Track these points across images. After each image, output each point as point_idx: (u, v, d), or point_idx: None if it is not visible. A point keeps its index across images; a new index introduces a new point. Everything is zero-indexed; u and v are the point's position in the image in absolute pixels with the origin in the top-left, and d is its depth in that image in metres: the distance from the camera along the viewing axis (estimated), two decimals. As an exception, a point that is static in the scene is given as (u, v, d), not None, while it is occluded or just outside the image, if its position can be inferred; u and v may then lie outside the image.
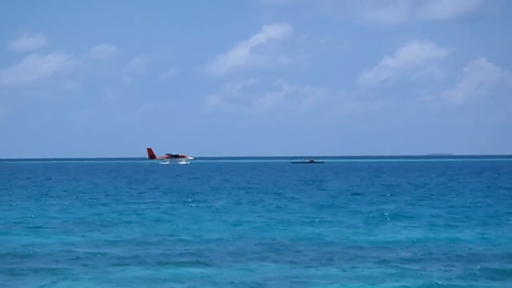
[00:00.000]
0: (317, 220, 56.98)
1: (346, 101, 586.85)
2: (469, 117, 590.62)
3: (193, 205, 73.92)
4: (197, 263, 36.16)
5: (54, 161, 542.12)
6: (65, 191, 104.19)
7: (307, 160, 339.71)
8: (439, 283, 30.88)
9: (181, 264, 36.02)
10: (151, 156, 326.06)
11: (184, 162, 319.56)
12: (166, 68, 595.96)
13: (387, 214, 61.95)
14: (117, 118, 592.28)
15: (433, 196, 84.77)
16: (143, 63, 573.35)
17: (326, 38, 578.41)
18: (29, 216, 62.34)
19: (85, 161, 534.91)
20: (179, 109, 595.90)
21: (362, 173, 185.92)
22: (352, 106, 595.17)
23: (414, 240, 44.51)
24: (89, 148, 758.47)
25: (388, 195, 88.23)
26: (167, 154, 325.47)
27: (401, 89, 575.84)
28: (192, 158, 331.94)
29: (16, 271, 34.24)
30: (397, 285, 30.59)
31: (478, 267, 34.34)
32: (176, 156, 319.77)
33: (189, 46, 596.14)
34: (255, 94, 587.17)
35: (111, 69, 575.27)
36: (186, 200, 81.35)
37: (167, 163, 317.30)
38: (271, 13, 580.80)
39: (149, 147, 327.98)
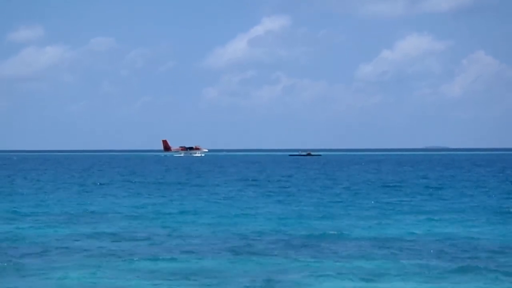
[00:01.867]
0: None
1: (344, 94, 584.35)
2: (467, 110, 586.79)
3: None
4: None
5: (57, 153, 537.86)
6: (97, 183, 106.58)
7: (304, 153, 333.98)
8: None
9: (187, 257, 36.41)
10: (166, 148, 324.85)
11: (199, 154, 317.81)
12: (165, 60, 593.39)
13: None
14: (115, 110, 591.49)
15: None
16: (141, 56, 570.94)
17: (325, 31, 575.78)
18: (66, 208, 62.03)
19: (88, 153, 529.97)
20: (177, 101, 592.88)
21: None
22: (350, 99, 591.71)
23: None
24: (87, 140, 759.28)
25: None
26: (181, 147, 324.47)
27: (399, 82, 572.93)
28: (207, 150, 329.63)
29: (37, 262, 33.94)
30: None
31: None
32: (191, 148, 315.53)
33: (188, 39, 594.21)
34: (253, 86, 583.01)
35: (110, 61, 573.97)
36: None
37: (182, 155, 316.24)
38: (270, 6, 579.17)
39: (164, 139, 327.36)
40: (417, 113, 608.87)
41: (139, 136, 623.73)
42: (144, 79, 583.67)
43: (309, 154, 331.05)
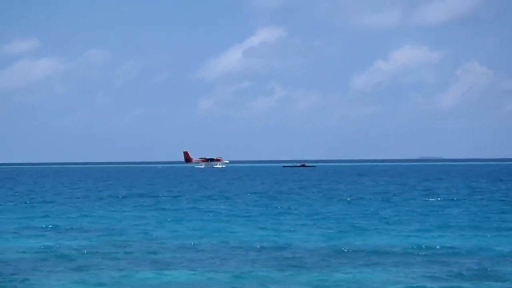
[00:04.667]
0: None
1: (338, 104, 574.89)
2: (461, 120, 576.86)
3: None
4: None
5: (52, 166, 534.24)
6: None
7: (299, 164, 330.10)
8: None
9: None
10: (187, 159, 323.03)
11: (220, 166, 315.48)
12: (160, 71, 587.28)
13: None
14: (110, 121, 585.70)
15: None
16: (136, 67, 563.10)
17: (319, 41, 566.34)
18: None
19: (90, 166, 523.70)
20: (172, 112, 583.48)
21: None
22: (345, 109, 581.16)
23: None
24: (82, 151, 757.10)
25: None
26: (202, 158, 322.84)
27: (393, 93, 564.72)
28: (227, 161, 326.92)
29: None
30: None
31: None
32: (212, 160, 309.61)
33: (183, 50, 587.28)
34: (248, 97, 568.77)
35: (105, 72, 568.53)
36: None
37: (203, 167, 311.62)
38: (265, 16, 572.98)
39: (185, 150, 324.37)
40: (411, 124, 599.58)
41: (135, 147, 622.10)
42: (138, 90, 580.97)
43: (303, 165, 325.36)
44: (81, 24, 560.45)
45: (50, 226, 55.10)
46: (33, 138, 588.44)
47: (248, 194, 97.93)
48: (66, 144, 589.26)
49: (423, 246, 41.44)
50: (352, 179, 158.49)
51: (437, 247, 41.29)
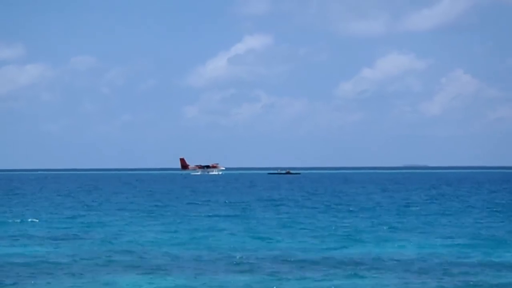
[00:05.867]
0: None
1: (324, 112, 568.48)
2: (445, 128, 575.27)
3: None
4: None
5: (40, 172, 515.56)
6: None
7: (283, 172, 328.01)
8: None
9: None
10: (184, 166, 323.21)
11: (216, 173, 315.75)
12: (145, 79, 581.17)
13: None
14: (96, 128, 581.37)
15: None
16: (122, 74, 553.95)
17: (305, 49, 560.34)
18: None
19: (80, 172, 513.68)
20: (157, 120, 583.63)
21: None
22: (330, 117, 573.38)
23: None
24: (69, 158, 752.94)
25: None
26: (198, 165, 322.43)
27: (379, 101, 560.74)
28: (224, 168, 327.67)
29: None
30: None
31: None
32: (208, 167, 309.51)
33: (169, 57, 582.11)
34: (233, 104, 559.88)
35: (90, 80, 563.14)
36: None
37: (199, 173, 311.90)
38: (252, 24, 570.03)
39: (181, 157, 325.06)
40: (396, 131, 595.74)
41: (120, 154, 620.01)
42: (125, 97, 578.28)
43: (288, 173, 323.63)
44: (67, 31, 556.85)
45: (39, 233, 55.10)
46: (19, 145, 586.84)
47: (243, 202, 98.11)
48: (52, 151, 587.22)
49: (408, 255, 41.90)
50: (338, 187, 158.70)
51: (421, 256, 41.81)
